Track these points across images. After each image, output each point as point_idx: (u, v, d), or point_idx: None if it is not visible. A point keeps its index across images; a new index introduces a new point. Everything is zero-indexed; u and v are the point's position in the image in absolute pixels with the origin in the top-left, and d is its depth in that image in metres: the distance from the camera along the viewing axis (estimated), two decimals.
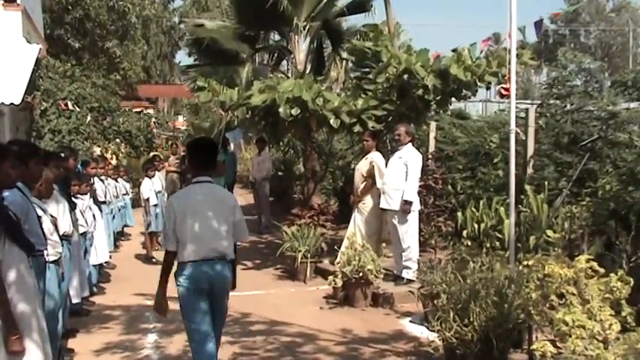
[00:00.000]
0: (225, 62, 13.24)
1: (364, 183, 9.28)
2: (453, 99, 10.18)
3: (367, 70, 10.26)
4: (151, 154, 18.58)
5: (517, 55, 7.91)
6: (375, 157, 9.21)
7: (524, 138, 9.02)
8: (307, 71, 12.65)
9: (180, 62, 50.20)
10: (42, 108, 16.79)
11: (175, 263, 4.83)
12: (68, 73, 19.68)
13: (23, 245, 4.08)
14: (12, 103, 11.04)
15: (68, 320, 6.87)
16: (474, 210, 10.42)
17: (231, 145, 25.38)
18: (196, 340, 4.80)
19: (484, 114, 17.69)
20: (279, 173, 17.63)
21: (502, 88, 7.57)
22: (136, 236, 13.82)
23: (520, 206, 8.95)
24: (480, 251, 7.11)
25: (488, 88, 10.24)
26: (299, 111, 9.35)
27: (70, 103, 17.38)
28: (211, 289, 4.79)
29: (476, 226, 10.18)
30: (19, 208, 4.38)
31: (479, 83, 9.44)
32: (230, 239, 4.89)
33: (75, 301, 7.20)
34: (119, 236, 13.10)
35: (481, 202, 10.35)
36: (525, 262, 5.45)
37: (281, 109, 9.31)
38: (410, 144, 8.66)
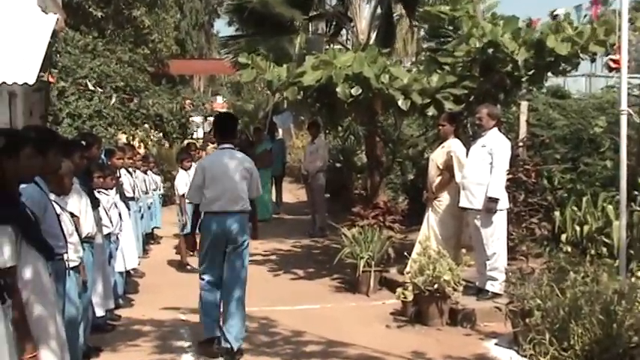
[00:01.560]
0: (272, 32, 13.30)
1: (440, 176, 9.24)
2: (550, 74, 10.04)
3: (444, 40, 10.19)
4: (186, 141, 18.84)
5: (630, 19, 7.75)
6: (454, 145, 9.16)
7: (638, 120, 8.85)
8: (371, 42, 12.63)
9: (219, 33, 50.85)
10: (59, 88, 17.23)
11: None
12: (89, 47, 20.08)
13: (42, 249, 4.20)
14: (25, 83, 11.29)
15: (90, 337, 7.01)
16: (576, 209, 10.29)
17: (280, 131, 25.66)
18: (204, 287, 7.11)
19: (588, 91, 17.37)
20: (337, 164, 17.67)
21: (611, 59, 7.43)
22: (167, 239, 14.06)
23: (633, 204, 8.80)
24: (582, 259, 7.03)
25: (593, 60, 10.05)
26: (360, 90, 9.35)
27: (89, 83, 17.78)
28: (228, 238, 6.94)
29: (577, 228, 10.05)
30: (36, 205, 4.52)
31: (581, 54, 9.27)
32: (245, 196, 7.03)
33: (99, 314, 7.37)
34: (148, 239, 13.34)
35: (584, 200, 10.21)
36: (639, 273, 5.37)
37: (339, 89, 9.33)
38: (495, 129, 8.58)
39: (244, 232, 7.05)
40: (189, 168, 11.78)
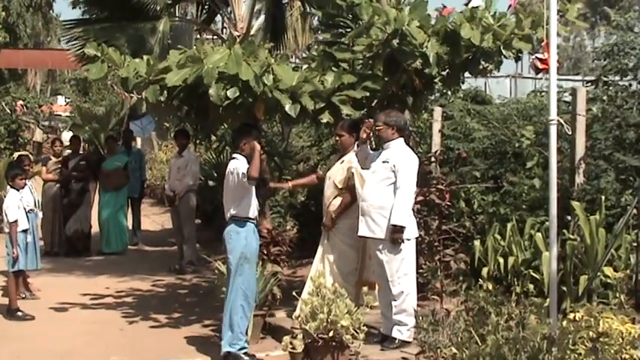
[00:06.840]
0: (129, 16, 13.16)
1: (338, 198, 9.29)
2: (467, 74, 10.28)
3: (341, 31, 10.29)
4: (16, 154, 18.35)
5: (559, 10, 8.01)
6: (355, 159, 9.22)
7: (570, 132, 9.16)
8: (252, 32, 12.65)
9: (60, 16, 49.89)
10: None
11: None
12: None
13: None
14: None
15: None
16: (499, 237, 10.50)
17: (138, 141, 25.36)
18: None
19: (513, 96, 17.87)
20: (210, 183, 17.57)
21: (537, 58, 7.66)
22: None
23: (565, 232, 9.08)
24: (506, 298, 7.18)
25: (517, 59, 10.36)
26: (238, 93, 9.31)
27: None
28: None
29: (501, 261, 10.25)
30: None
31: (504, 51, 9.53)
32: None
33: None
34: None
35: (508, 226, 10.43)
36: (572, 315, 5.52)
37: (212, 90, 9.23)
38: (399, 140, 8.66)
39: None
40: (22, 187, 11.50)
